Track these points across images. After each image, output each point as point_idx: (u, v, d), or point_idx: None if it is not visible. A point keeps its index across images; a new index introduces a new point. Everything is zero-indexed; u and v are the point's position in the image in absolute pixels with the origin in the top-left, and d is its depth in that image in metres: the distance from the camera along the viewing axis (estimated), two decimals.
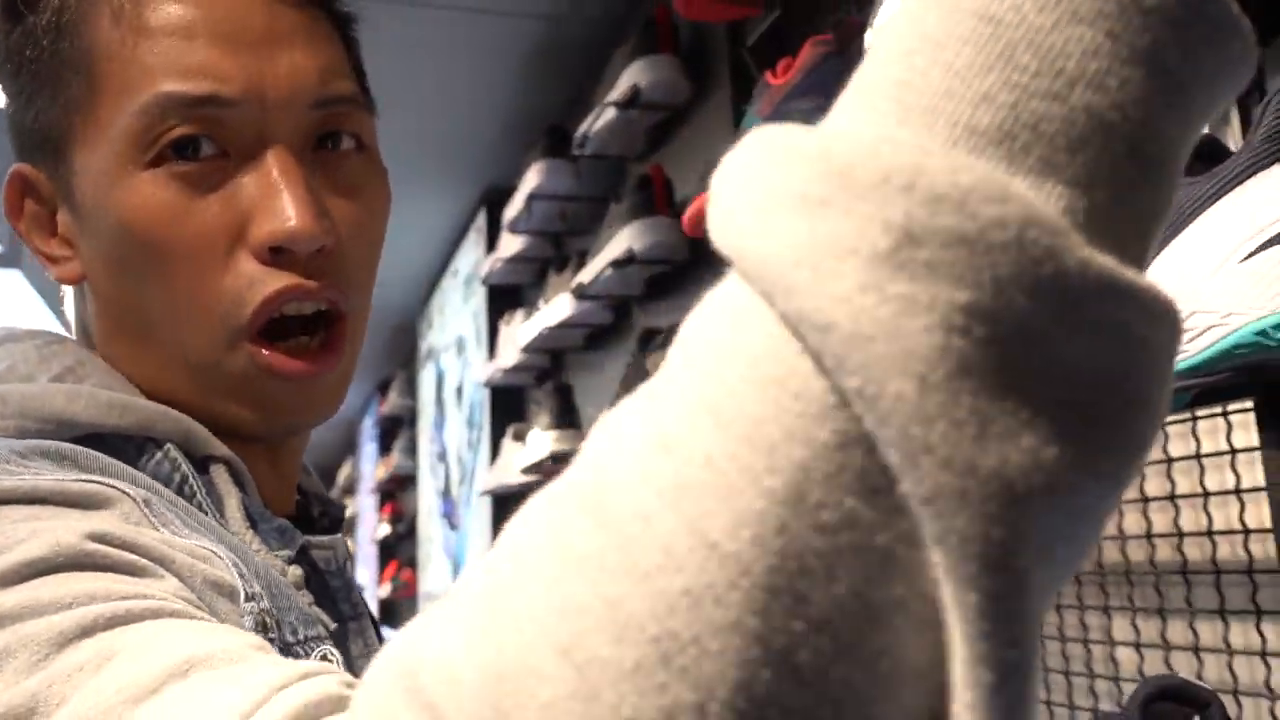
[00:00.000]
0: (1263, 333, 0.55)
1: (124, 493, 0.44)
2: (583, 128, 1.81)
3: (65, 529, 0.39)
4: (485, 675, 0.23)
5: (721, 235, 0.24)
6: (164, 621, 0.37)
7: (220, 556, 0.45)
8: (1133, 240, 0.22)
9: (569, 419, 2.00)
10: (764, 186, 0.23)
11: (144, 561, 0.40)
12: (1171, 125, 0.22)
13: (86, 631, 0.35)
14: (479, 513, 2.86)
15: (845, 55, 1.11)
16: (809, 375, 0.22)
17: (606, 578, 0.22)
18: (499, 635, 0.23)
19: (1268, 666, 0.79)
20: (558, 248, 2.34)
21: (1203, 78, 0.23)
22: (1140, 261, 0.23)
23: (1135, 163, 0.22)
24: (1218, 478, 0.84)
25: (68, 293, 0.62)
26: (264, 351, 0.52)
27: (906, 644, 0.21)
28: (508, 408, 2.73)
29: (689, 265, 1.68)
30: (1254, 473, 0.79)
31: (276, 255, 0.51)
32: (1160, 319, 0.22)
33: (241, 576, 0.45)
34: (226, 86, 0.50)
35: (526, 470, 2.09)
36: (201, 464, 0.52)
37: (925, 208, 0.21)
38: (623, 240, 1.65)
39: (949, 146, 0.22)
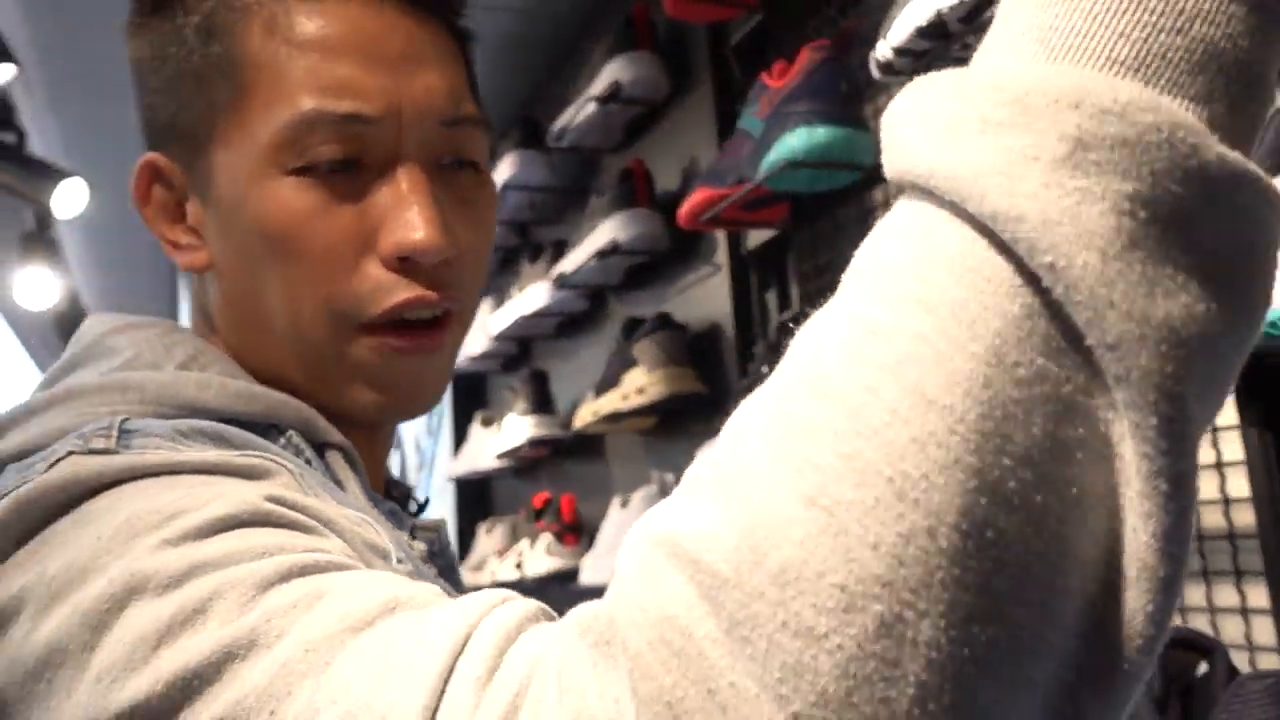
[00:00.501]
0: (1272, 324, 0.62)
1: (282, 465, 0.48)
2: (561, 121, 1.85)
3: (245, 491, 0.43)
4: (740, 528, 0.28)
5: (904, 162, 0.30)
6: (351, 572, 0.40)
7: (370, 523, 0.49)
8: (1243, 143, 0.28)
9: (546, 404, 2.04)
10: (945, 116, 0.29)
11: (314, 523, 0.44)
12: (1268, 50, 0.28)
13: (284, 577, 0.38)
14: (442, 497, 2.89)
15: (840, 60, 1.17)
16: (998, 263, 0.28)
17: (839, 438, 0.27)
18: (746, 498, 0.28)
19: (1247, 622, 0.88)
20: (523, 237, 2.37)
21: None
22: (1250, 145, 0.29)
23: (1242, 81, 0.28)
24: (1200, 453, 0.93)
25: None
26: (384, 336, 0.55)
27: (1088, 475, 0.27)
28: (469, 394, 2.76)
29: (668, 256, 1.73)
30: (1234, 447, 0.88)
31: (403, 263, 0.54)
32: (1274, 203, 0.28)
33: (391, 543, 0.49)
34: (368, 105, 0.53)
35: (502, 455, 2.13)
36: (318, 450, 0.55)
37: (1093, 120, 0.27)
38: (606, 231, 1.70)
39: (1094, 68, 0.28)
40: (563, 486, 2.14)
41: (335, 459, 0.56)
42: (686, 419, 1.69)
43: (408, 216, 0.54)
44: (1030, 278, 0.27)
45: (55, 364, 0.57)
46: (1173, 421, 0.26)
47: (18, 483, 0.45)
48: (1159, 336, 0.26)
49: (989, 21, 0.92)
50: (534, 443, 2.01)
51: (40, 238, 2.93)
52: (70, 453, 0.45)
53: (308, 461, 0.54)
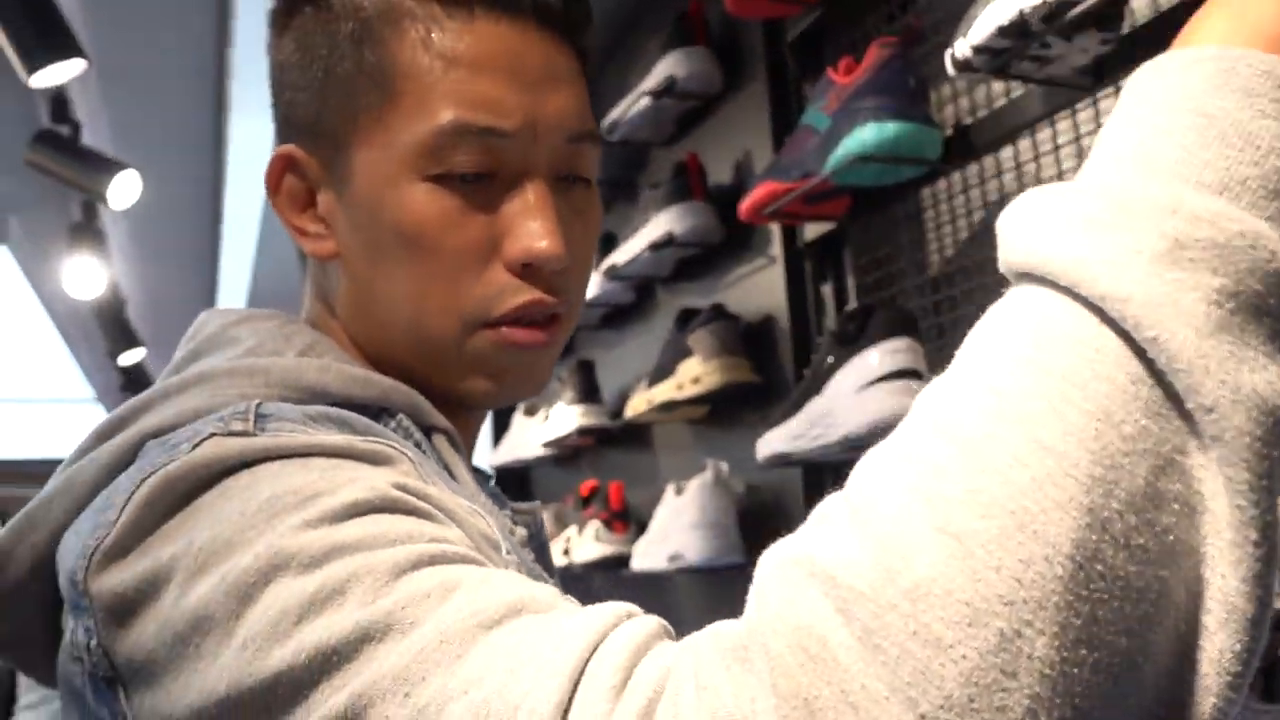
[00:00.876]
0: None
1: (402, 453, 0.51)
2: (614, 114, 1.88)
3: (376, 477, 0.46)
4: (875, 551, 0.32)
5: (1020, 254, 0.36)
6: (477, 567, 0.43)
7: (481, 513, 0.52)
8: None
9: (593, 394, 2.07)
10: (1060, 217, 0.35)
11: (436, 511, 0.47)
12: None
13: (416, 565, 0.41)
14: None
15: (908, 56, 1.20)
16: (1107, 337, 0.32)
17: (966, 476, 0.32)
18: (880, 526, 0.32)
19: None
20: None
21: None
22: None
23: None
24: None
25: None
26: (502, 330, 0.59)
27: (1182, 524, 0.31)
28: None
29: (719, 248, 1.76)
30: None
31: (525, 269, 0.58)
32: None
33: (498, 532, 0.52)
34: (506, 121, 0.57)
35: (549, 444, 2.16)
36: (425, 433, 0.59)
37: (1189, 224, 0.32)
38: (661, 223, 1.73)
39: (1188, 185, 0.33)
40: (607, 474, 2.17)
41: (441, 442, 0.59)
42: (737, 408, 1.72)
43: (533, 227, 0.58)
44: (1136, 350, 0.32)
45: (180, 353, 0.61)
46: (1261, 477, 0.31)
47: (165, 460, 0.48)
48: (1249, 403, 0.31)
49: (1069, 22, 0.96)
50: (582, 432, 2.04)
51: (88, 228, 2.98)
52: (212, 434, 0.49)
53: (417, 444, 0.57)
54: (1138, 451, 0.31)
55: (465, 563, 0.43)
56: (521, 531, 0.60)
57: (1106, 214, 0.33)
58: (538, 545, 0.65)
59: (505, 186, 0.58)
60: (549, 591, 0.42)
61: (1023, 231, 0.36)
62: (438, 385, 0.61)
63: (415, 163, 0.57)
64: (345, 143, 0.59)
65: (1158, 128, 0.34)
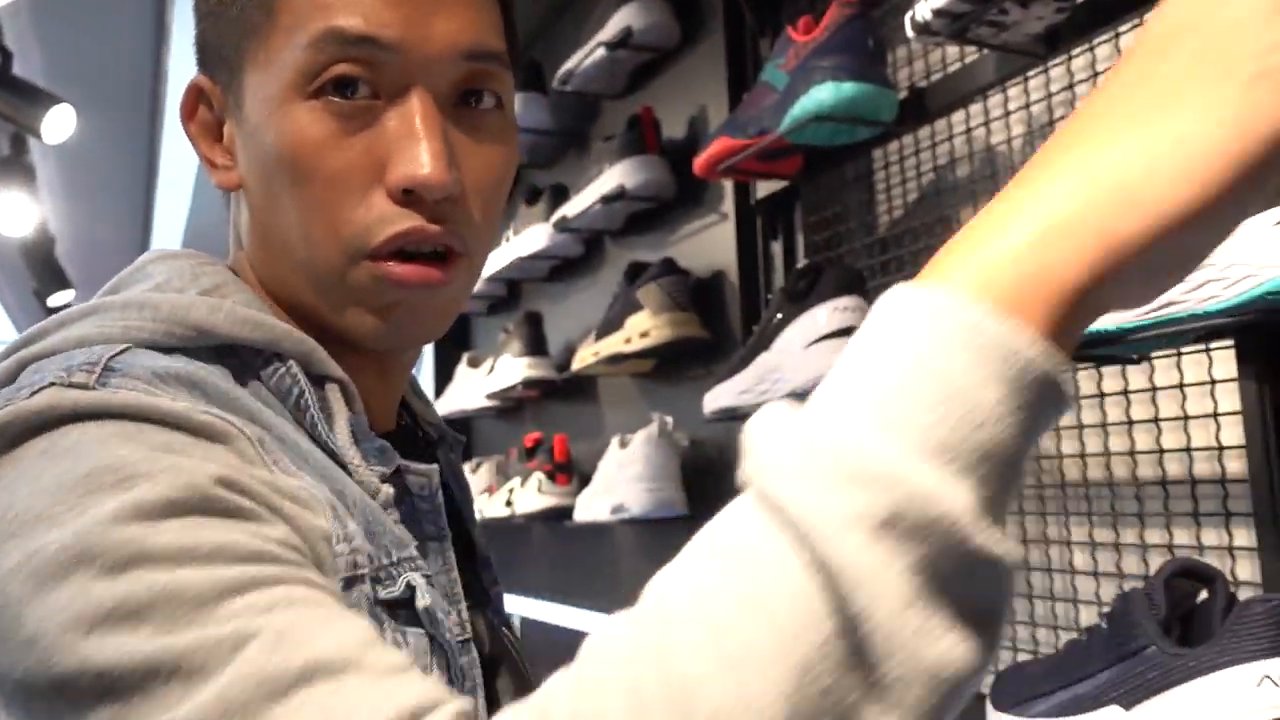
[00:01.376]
0: (1273, 291, 0.68)
1: (241, 431, 0.50)
2: (568, 65, 1.87)
3: (196, 468, 0.45)
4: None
5: (763, 480, 0.36)
6: (281, 610, 0.42)
7: (319, 499, 0.51)
8: (1005, 508, 0.36)
9: (540, 347, 2.07)
10: (797, 464, 0.36)
11: (260, 509, 0.46)
12: (1025, 444, 0.35)
13: (220, 596, 0.41)
14: None
15: (868, 17, 1.21)
16: (822, 594, 0.34)
17: (669, 694, 0.34)
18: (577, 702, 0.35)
19: (1233, 558, 0.95)
20: (515, 181, 2.37)
21: (1041, 417, 0.36)
22: (1006, 514, 0.36)
23: (1008, 466, 0.35)
24: (1198, 404, 0.99)
25: None
26: (383, 264, 0.57)
27: None
28: (451, 335, 2.77)
29: (671, 203, 1.77)
30: (1232, 401, 0.95)
31: (407, 196, 0.56)
32: (1013, 575, 0.35)
33: (336, 517, 0.51)
34: (384, 30, 0.55)
35: (493, 396, 2.16)
36: (318, 382, 0.58)
37: (904, 501, 0.33)
38: (614, 176, 1.72)
39: (912, 452, 0.34)
40: (551, 427, 2.18)
41: (333, 392, 0.58)
42: (682, 363, 1.73)
43: (414, 151, 0.55)
44: (844, 611, 0.34)
45: (105, 286, 0.60)
46: None
47: (2, 404, 0.48)
48: (926, 675, 0.34)
49: None
50: (528, 384, 2.04)
51: (16, 163, 2.88)
52: (52, 383, 0.48)
53: (300, 393, 0.57)
54: (826, 705, 0.33)
55: (277, 584, 0.43)
56: (388, 490, 0.58)
57: (843, 469, 0.35)
58: (429, 506, 0.62)
59: (390, 105, 0.57)
60: (358, 641, 0.41)
61: (771, 459, 0.37)
62: (331, 324, 0.59)
63: (295, 80, 0.56)
64: (238, 68, 0.59)
65: (900, 389, 0.35)
